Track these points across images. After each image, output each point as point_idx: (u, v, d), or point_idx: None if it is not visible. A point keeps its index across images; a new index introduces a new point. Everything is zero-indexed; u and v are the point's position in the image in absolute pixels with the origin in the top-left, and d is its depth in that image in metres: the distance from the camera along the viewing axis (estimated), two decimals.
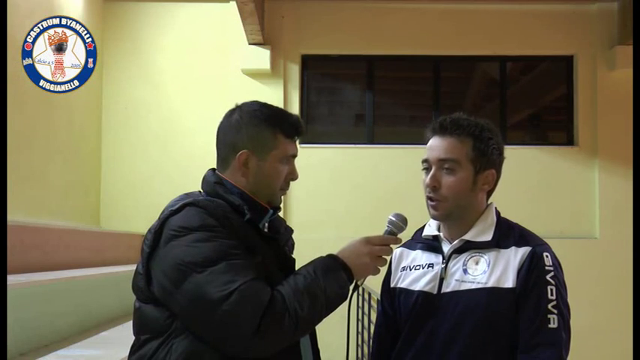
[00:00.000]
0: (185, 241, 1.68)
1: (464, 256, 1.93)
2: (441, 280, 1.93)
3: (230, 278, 1.63)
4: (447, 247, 1.98)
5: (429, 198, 1.95)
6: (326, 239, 6.54)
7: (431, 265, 1.98)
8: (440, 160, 1.92)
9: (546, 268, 1.87)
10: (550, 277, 1.86)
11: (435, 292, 1.93)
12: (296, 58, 8.40)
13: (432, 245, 2.02)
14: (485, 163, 1.93)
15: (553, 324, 1.82)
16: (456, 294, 1.90)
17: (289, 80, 8.34)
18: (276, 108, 1.91)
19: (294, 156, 1.91)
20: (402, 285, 2.02)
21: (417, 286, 1.97)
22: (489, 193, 2.01)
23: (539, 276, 1.85)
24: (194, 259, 1.65)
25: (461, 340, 1.87)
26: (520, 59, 8.85)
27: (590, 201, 8.27)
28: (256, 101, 1.92)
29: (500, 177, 1.99)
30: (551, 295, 1.84)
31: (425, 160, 1.97)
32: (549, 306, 1.83)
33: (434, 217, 1.99)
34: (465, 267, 1.92)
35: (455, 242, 1.96)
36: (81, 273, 5.18)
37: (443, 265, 1.95)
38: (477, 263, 1.91)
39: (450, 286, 1.91)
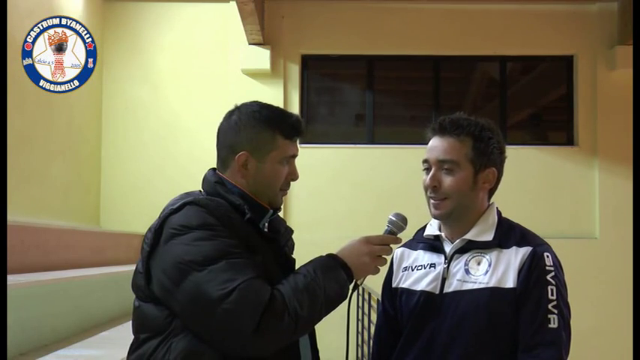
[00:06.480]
0: (185, 240, 1.68)
1: (466, 256, 1.94)
2: (444, 280, 1.94)
3: (230, 277, 1.63)
4: (448, 247, 1.98)
5: (430, 197, 1.96)
6: (326, 239, 6.55)
7: (433, 265, 1.98)
8: (439, 160, 1.94)
9: (547, 268, 1.87)
10: (550, 277, 1.86)
11: (438, 292, 1.93)
12: (296, 58, 8.40)
13: (433, 245, 2.02)
14: (486, 162, 1.94)
15: (553, 324, 1.83)
16: (458, 294, 1.90)
17: (289, 80, 8.34)
18: (276, 108, 1.91)
19: (294, 156, 1.91)
20: (404, 285, 2.02)
21: (420, 286, 1.97)
22: (491, 193, 2.02)
23: (540, 276, 1.86)
24: (194, 257, 1.65)
25: (462, 341, 1.87)
26: (520, 59, 8.84)
27: (590, 201, 8.27)
28: (256, 102, 1.91)
29: (502, 175, 2.00)
30: (552, 295, 1.85)
31: (425, 161, 1.98)
32: (549, 306, 1.84)
33: (435, 217, 1.99)
34: (466, 267, 1.92)
35: (456, 242, 1.96)
36: (81, 273, 5.18)
37: (445, 265, 1.95)
38: (478, 263, 1.91)
39: (452, 286, 1.92)
